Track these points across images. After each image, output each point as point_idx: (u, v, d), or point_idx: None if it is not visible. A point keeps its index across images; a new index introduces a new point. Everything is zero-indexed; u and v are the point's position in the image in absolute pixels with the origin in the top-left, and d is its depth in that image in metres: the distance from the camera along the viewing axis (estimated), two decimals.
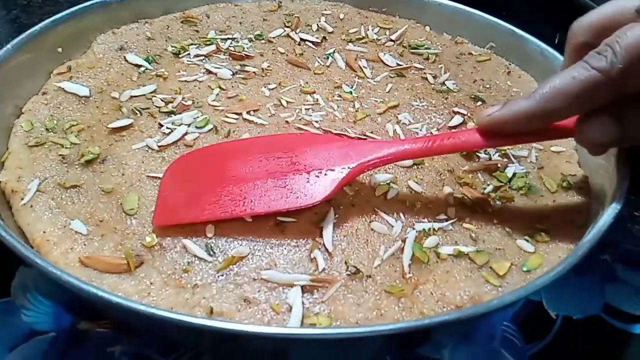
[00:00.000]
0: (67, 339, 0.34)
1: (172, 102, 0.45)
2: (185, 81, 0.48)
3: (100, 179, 0.38)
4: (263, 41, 0.56)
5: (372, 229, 0.36)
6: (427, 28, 0.61)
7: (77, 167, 0.39)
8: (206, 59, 0.52)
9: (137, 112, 0.44)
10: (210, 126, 0.43)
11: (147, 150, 0.41)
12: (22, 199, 0.36)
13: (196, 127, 0.43)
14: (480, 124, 0.34)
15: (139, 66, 0.49)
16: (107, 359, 0.33)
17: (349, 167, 0.35)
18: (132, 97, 0.46)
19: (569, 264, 0.30)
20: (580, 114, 0.32)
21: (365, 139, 0.43)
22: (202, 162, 0.38)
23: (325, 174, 0.35)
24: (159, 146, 0.41)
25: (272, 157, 0.36)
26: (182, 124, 0.43)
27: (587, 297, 0.39)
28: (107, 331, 0.35)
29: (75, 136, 0.41)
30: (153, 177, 0.38)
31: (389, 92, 0.50)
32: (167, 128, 0.42)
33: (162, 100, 0.45)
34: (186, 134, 0.42)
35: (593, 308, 0.39)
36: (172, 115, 0.44)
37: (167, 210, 0.35)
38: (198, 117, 0.44)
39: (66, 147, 0.40)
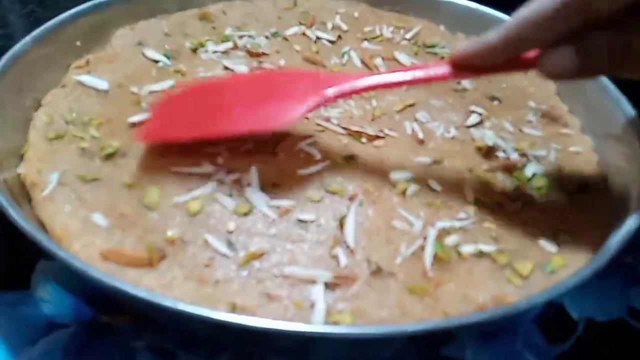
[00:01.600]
0: (88, 332, 0.34)
1: None
2: (203, 77, 0.48)
3: (121, 173, 0.38)
4: (279, 38, 0.56)
5: (392, 227, 0.36)
6: (442, 27, 0.61)
7: (97, 160, 0.39)
8: (223, 55, 0.52)
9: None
10: None
11: (169, 146, 0.40)
12: (43, 191, 0.36)
13: None
14: (453, 57, 0.35)
15: (158, 61, 0.49)
16: (129, 352, 0.33)
17: (320, 95, 0.37)
18: (151, 92, 0.46)
19: (597, 266, 0.30)
20: (544, 45, 0.32)
21: (378, 136, 0.43)
22: (193, 96, 0.41)
23: (299, 100, 0.37)
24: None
25: (256, 90, 0.40)
26: None
27: (611, 300, 0.39)
28: (128, 325, 0.35)
29: (96, 129, 0.41)
30: (175, 172, 0.38)
31: (405, 90, 0.50)
32: None
33: None
34: None
35: (617, 311, 0.39)
36: None
37: (156, 129, 0.39)
38: None
39: (86, 140, 0.40)
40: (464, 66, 0.34)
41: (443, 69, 0.35)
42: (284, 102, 0.38)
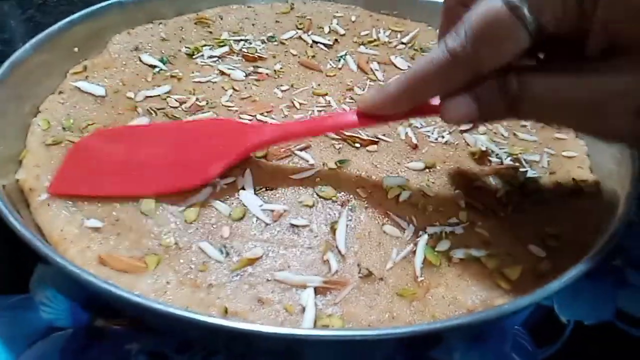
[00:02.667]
0: (85, 336, 0.35)
1: (186, 103, 0.46)
2: (199, 82, 0.49)
3: None
4: (275, 43, 0.56)
5: (384, 232, 0.37)
6: (438, 31, 0.61)
7: None
8: (219, 60, 0.52)
9: (152, 112, 0.45)
10: None
11: None
12: (39, 197, 0.37)
13: None
14: (359, 107, 0.36)
15: (154, 67, 0.50)
16: (124, 356, 0.34)
17: (238, 150, 0.38)
18: (147, 97, 0.46)
19: (582, 269, 0.31)
20: (443, 94, 0.32)
21: (376, 139, 0.43)
22: (112, 141, 0.40)
23: (217, 155, 0.38)
24: None
25: (177, 142, 0.40)
26: None
27: (599, 302, 0.39)
28: (124, 329, 0.35)
29: None
30: None
31: None
32: None
33: (176, 101, 0.46)
34: None
35: (605, 314, 0.39)
36: (187, 116, 0.44)
37: (65, 180, 0.37)
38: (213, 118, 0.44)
39: None
40: (371, 115, 0.36)
41: (352, 119, 0.36)
42: (201, 159, 0.38)
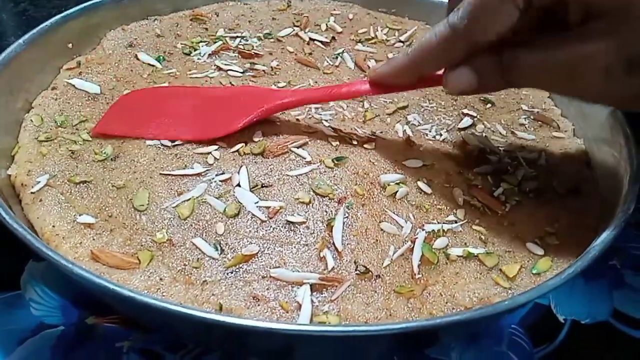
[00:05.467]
0: (76, 334, 0.35)
1: None
2: (196, 78, 0.48)
3: (111, 175, 0.38)
4: (272, 40, 0.56)
5: (381, 229, 0.36)
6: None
7: (87, 162, 0.39)
8: (216, 56, 0.52)
9: None
10: None
11: (160, 147, 0.40)
12: (31, 192, 0.36)
13: None
14: (370, 77, 0.40)
15: (150, 64, 0.50)
16: (115, 354, 0.33)
17: (259, 109, 0.41)
18: None
19: (578, 268, 0.30)
20: (446, 66, 0.35)
21: (374, 138, 0.43)
22: (149, 97, 0.45)
23: (241, 113, 0.41)
24: (172, 144, 0.41)
25: (205, 101, 0.44)
26: None
27: (596, 302, 0.39)
28: (115, 326, 0.35)
29: (87, 133, 0.41)
30: (165, 174, 0.38)
31: (397, 92, 0.50)
32: None
33: None
34: None
35: (602, 313, 0.39)
36: None
37: (108, 124, 0.42)
38: None
39: (78, 144, 0.40)
40: (382, 84, 0.39)
41: (365, 87, 0.40)
42: (226, 115, 0.42)
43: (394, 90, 0.40)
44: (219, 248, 0.34)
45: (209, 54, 0.52)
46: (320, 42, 0.56)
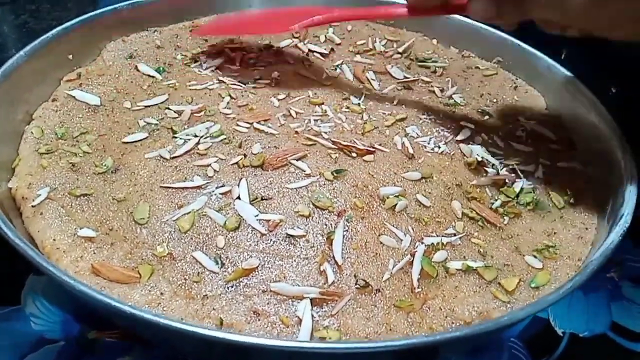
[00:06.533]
0: (76, 348, 0.34)
1: (184, 110, 0.46)
2: (196, 89, 0.49)
3: (112, 188, 0.38)
4: (272, 51, 0.56)
5: (381, 242, 0.36)
6: (434, 41, 0.62)
7: (87, 175, 0.39)
8: (216, 67, 0.52)
9: (149, 122, 0.44)
10: (223, 137, 0.43)
11: (160, 160, 0.41)
12: (32, 205, 0.36)
13: (210, 138, 0.43)
14: (409, 1, 0.45)
15: (150, 75, 0.50)
16: None
17: (309, 18, 0.49)
18: (144, 106, 0.46)
19: (577, 282, 0.31)
20: None
21: (373, 150, 0.43)
22: (232, 18, 0.60)
23: (296, 20, 0.50)
24: (171, 156, 0.41)
25: (273, 14, 0.58)
26: (195, 134, 0.43)
27: (594, 315, 0.39)
28: (116, 341, 0.35)
29: (88, 145, 0.41)
30: (165, 187, 0.38)
31: (396, 104, 0.50)
32: (181, 138, 0.42)
33: (174, 110, 0.46)
34: (199, 143, 0.42)
35: (600, 326, 0.39)
36: (185, 126, 0.44)
37: (203, 30, 0.57)
38: (211, 126, 0.44)
39: (78, 156, 0.40)
40: (415, 8, 0.45)
41: (402, 10, 0.46)
42: (287, 21, 0.51)
43: (429, 12, 0.45)
44: (220, 262, 0.34)
45: (209, 65, 0.52)
46: (320, 53, 0.56)
